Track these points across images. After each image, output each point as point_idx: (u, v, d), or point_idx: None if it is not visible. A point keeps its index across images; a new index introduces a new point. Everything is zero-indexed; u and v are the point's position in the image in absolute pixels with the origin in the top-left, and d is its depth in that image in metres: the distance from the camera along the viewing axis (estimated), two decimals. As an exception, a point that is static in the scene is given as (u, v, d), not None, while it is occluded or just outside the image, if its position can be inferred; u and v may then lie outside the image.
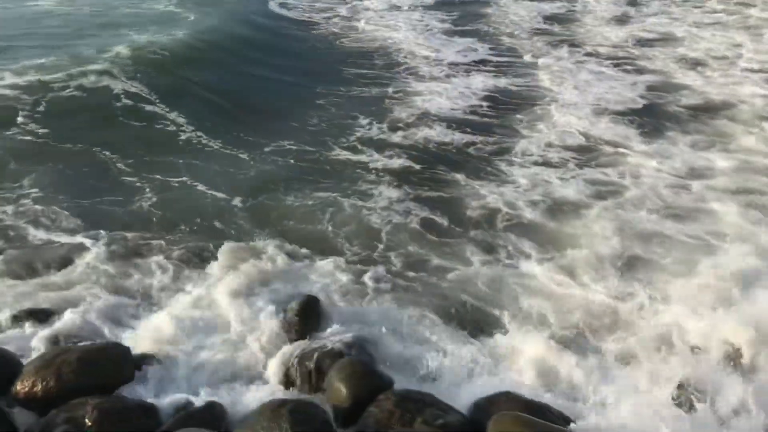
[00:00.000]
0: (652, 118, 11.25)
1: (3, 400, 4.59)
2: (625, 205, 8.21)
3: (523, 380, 5.20)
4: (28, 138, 9.34)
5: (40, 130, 9.52)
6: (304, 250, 7.04)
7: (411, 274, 6.77)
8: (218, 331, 5.63)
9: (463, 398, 4.88)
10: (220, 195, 8.25)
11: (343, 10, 19.37)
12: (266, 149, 9.67)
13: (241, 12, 17.58)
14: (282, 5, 19.44)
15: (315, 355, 5.08)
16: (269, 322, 5.64)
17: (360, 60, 14.58)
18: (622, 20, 18.91)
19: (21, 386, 4.62)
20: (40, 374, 4.64)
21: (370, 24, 17.85)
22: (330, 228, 7.60)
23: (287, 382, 5.03)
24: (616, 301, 6.24)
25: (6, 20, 15.40)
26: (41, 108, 10.13)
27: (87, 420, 4.22)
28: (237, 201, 8.12)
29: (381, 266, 6.82)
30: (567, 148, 10.02)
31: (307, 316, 5.57)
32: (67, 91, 10.72)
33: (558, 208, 8.15)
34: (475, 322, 6.06)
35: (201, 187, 8.43)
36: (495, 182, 8.86)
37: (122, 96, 10.83)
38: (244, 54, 14.23)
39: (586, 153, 9.88)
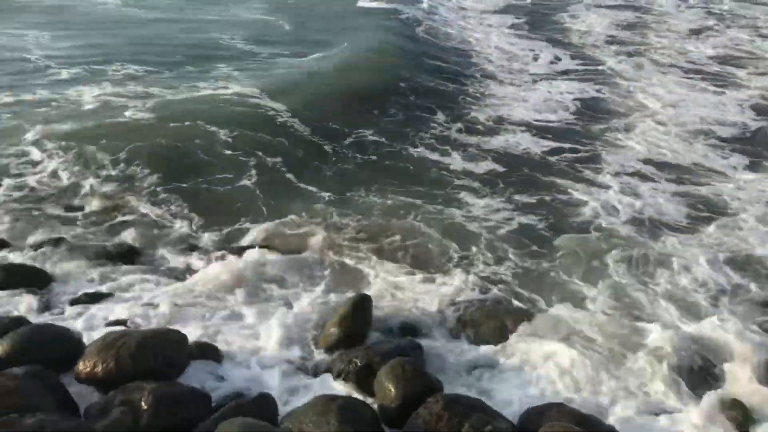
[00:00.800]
0: (754, 142, 10.63)
1: (66, 378, 4.75)
2: (729, 230, 7.78)
3: (576, 393, 5.09)
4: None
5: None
6: (371, 251, 7.06)
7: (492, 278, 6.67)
8: (272, 324, 5.71)
9: (513, 407, 4.82)
10: (309, 188, 8.47)
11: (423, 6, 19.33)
12: (346, 141, 9.82)
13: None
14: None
15: (366, 354, 5.10)
16: (323, 317, 5.71)
17: (437, 55, 14.55)
18: (699, 31, 18.30)
19: (83, 366, 4.79)
20: (101, 355, 4.79)
21: (448, 22, 17.82)
22: (412, 230, 7.54)
23: (337, 378, 5.06)
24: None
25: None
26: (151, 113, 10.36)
27: (143, 403, 4.33)
28: (325, 194, 8.28)
29: (460, 271, 6.74)
30: (661, 164, 9.56)
31: (360, 314, 5.58)
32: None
33: (654, 227, 7.82)
34: (535, 330, 5.91)
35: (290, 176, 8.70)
36: (586, 192, 8.60)
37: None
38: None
39: (681, 171, 9.42)
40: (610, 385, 5.15)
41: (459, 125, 10.70)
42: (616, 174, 9.27)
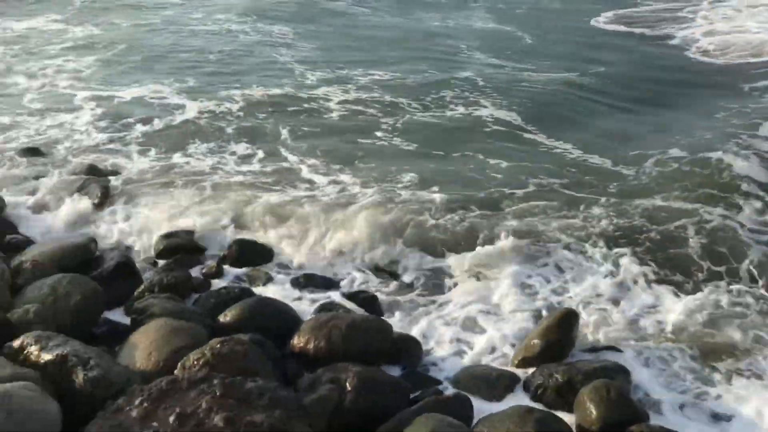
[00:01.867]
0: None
1: (282, 350, 5.16)
2: None
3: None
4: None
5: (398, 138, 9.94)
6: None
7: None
8: (478, 328, 5.76)
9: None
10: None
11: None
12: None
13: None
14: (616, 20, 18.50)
15: (568, 370, 4.95)
16: (525, 328, 5.64)
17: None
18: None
19: (297, 341, 5.16)
20: (313, 334, 5.14)
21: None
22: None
23: (536, 390, 4.96)
24: None
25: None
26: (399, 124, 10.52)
27: (347, 384, 4.57)
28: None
29: (711, 288, 6.23)
30: None
31: (565, 329, 5.41)
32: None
33: None
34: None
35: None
36: None
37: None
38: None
39: None
40: None
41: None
42: None
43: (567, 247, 6.86)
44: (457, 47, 15.47)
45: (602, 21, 18.21)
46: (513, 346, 5.58)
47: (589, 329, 5.73)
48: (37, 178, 8.40)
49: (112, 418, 3.76)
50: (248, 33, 16.49)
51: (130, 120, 10.51)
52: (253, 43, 15.56)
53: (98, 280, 5.59)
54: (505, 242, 6.83)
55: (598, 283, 6.38)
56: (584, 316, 5.84)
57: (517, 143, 9.78)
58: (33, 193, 7.97)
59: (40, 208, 7.63)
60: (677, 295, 6.17)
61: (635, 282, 6.36)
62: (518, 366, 5.33)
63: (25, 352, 4.24)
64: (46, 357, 4.16)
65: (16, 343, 4.29)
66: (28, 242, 6.72)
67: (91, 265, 6.22)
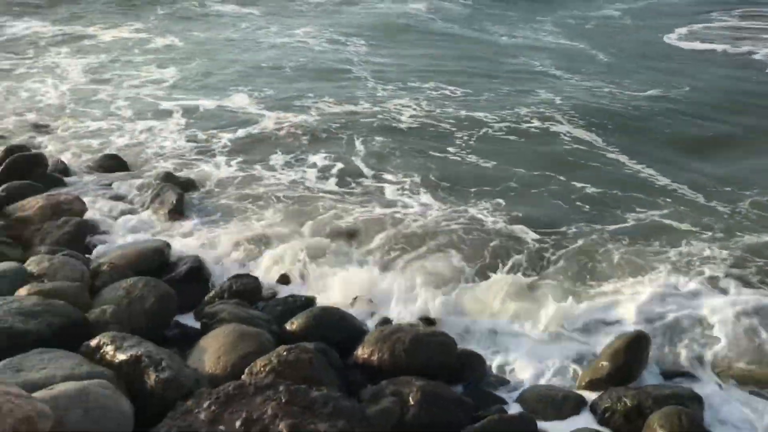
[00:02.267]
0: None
1: (345, 360, 5.19)
2: None
3: None
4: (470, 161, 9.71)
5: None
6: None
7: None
8: (544, 348, 5.67)
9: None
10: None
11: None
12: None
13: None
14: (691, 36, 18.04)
15: (637, 395, 4.80)
16: (593, 348, 5.51)
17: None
18: None
19: (361, 352, 5.19)
20: (377, 345, 5.15)
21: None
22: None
23: (603, 414, 4.83)
24: None
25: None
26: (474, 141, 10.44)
27: (410, 398, 4.56)
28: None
29: None
30: None
31: (635, 352, 5.25)
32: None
33: None
34: None
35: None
36: None
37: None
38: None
39: None
40: None
41: None
42: None
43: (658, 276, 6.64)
44: (530, 63, 15.32)
45: (676, 38, 17.80)
46: (580, 367, 5.46)
47: (663, 353, 5.55)
48: (117, 184, 8.77)
49: (181, 419, 3.86)
50: (323, 46, 16.86)
51: (212, 130, 10.90)
52: (327, 55, 15.87)
53: (171, 284, 5.76)
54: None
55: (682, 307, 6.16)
56: (659, 340, 5.65)
57: (600, 164, 9.49)
58: (113, 198, 8.31)
59: (119, 212, 7.93)
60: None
61: (721, 310, 6.06)
62: (585, 388, 5.20)
63: (101, 351, 4.40)
64: (121, 357, 4.30)
65: (93, 343, 4.46)
66: (107, 245, 6.99)
67: (165, 269, 6.43)
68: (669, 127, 10.98)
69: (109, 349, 4.38)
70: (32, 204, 7.48)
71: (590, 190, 8.63)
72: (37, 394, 3.50)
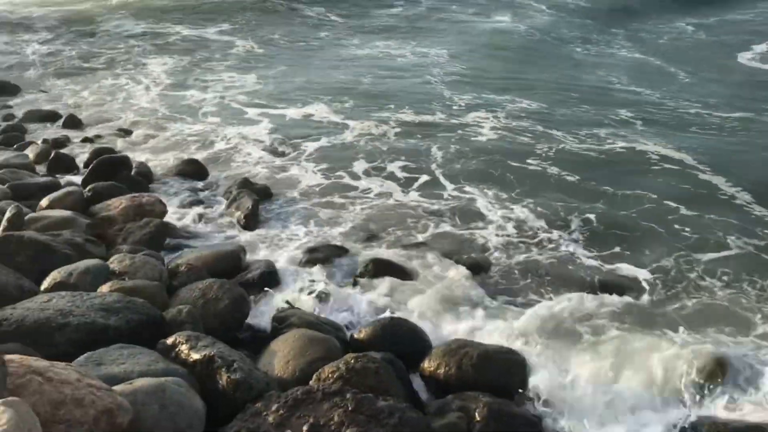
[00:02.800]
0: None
1: (412, 373, 5.18)
2: None
3: None
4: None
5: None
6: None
7: None
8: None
9: None
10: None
11: None
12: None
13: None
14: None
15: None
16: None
17: None
18: None
19: (428, 365, 5.17)
20: (445, 359, 5.12)
21: None
22: None
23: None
24: None
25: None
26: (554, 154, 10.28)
27: (476, 414, 4.51)
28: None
29: None
30: None
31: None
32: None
33: None
34: None
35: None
36: None
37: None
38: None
39: None
40: None
41: None
42: None
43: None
44: (607, 79, 15.08)
45: (753, 56, 17.10)
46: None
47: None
48: (197, 188, 9.07)
49: (250, 421, 3.94)
50: (404, 56, 17.01)
51: (293, 138, 11.18)
52: (407, 66, 16.01)
53: (245, 287, 5.90)
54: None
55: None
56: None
57: (692, 186, 9.02)
58: (192, 202, 8.60)
59: (197, 216, 8.19)
60: None
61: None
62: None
63: (177, 349, 4.53)
64: (195, 356, 4.42)
65: (170, 341, 4.60)
66: (185, 247, 7.22)
67: (239, 273, 6.58)
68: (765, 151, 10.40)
69: (184, 348, 4.50)
70: (116, 204, 7.82)
71: (686, 213, 8.18)
72: (116, 388, 3.64)
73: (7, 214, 6.52)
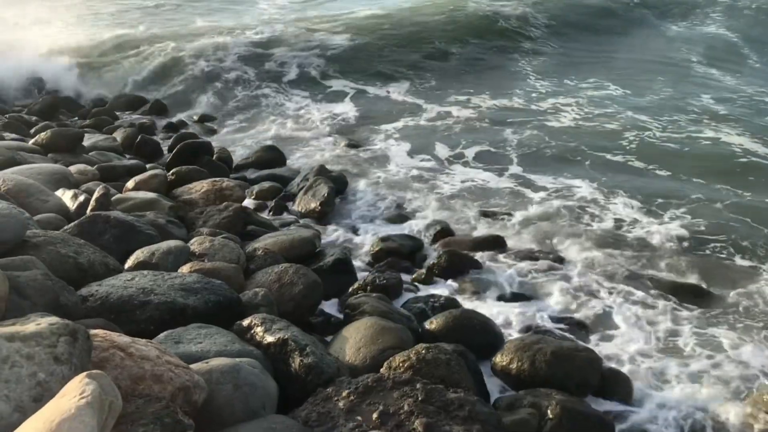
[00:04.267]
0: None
1: (483, 366, 5.12)
2: None
3: None
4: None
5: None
6: None
7: None
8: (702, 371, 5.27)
9: None
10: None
11: None
12: None
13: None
14: None
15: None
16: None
17: None
18: None
19: (499, 359, 5.09)
20: (517, 354, 5.03)
21: None
22: None
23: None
24: None
25: None
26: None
27: (548, 411, 4.41)
28: None
29: None
30: None
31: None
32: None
33: None
34: None
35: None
36: None
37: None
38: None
39: None
40: None
41: None
42: None
43: None
44: (693, 60, 14.46)
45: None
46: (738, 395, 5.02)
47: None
48: (274, 174, 9.24)
49: (320, 405, 3.96)
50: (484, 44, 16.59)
51: (370, 124, 11.22)
52: (490, 48, 15.72)
53: (318, 273, 5.95)
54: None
55: None
56: None
57: None
58: (270, 188, 8.74)
59: (274, 202, 8.34)
60: None
61: None
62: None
63: (252, 331, 4.61)
64: (269, 339, 4.48)
65: (245, 322, 4.69)
66: (262, 232, 7.35)
67: (314, 258, 6.65)
68: None
69: (259, 330, 4.57)
70: (197, 188, 8.04)
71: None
72: (193, 367, 3.74)
73: (96, 195, 6.78)
